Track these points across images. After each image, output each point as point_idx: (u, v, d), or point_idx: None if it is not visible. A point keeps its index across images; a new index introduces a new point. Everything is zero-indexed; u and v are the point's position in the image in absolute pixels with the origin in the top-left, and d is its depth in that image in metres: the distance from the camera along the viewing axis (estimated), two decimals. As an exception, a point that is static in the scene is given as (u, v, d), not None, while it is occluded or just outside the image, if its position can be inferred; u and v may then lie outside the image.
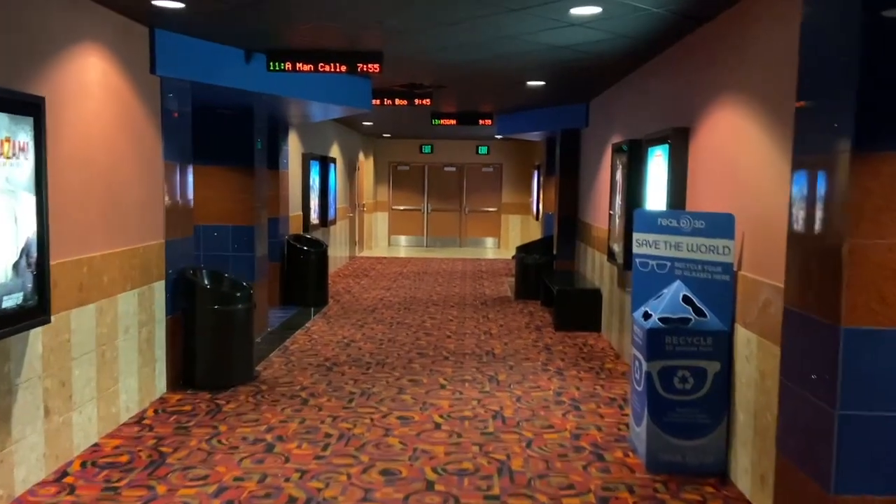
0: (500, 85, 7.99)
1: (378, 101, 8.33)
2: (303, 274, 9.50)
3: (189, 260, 5.88)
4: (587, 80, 7.45)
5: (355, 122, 13.28)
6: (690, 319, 4.12)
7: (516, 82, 7.69)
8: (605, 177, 7.90)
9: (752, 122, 3.94)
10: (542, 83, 7.68)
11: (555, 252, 10.30)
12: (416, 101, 8.37)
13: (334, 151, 13.08)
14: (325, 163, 11.87)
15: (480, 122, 11.04)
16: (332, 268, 12.78)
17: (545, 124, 10.35)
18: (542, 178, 13.77)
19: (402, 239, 18.41)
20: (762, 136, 3.80)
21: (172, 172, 5.56)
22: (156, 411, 5.13)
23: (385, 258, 15.61)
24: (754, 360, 3.79)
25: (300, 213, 10.53)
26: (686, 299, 4.22)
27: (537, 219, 14.98)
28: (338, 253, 13.52)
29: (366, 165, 16.97)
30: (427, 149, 17.96)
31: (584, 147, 9.74)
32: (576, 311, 8.08)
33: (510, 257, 13.53)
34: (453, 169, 18.25)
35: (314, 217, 10.98)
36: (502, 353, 7.00)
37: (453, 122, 11.08)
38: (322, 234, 11.86)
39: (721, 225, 4.11)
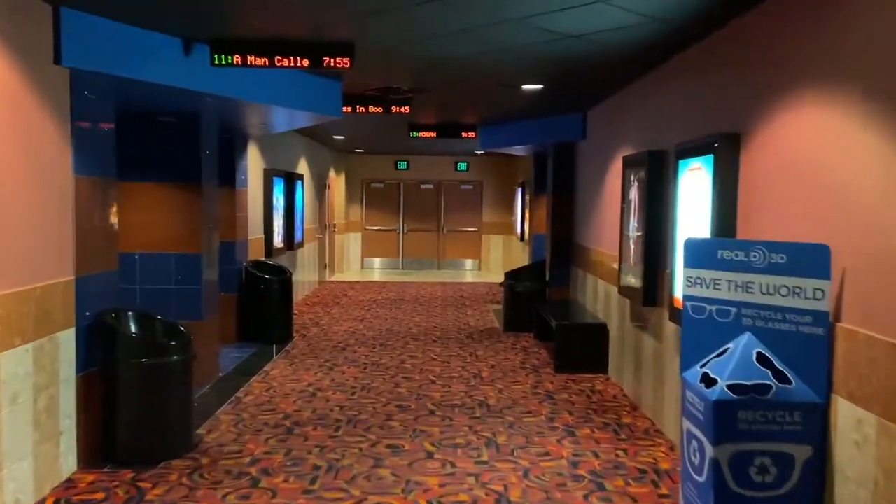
0: (489, 90, 6.96)
1: (349, 109, 7.24)
2: (263, 306, 8.31)
3: (112, 300, 4.70)
4: (592, 82, 6.44)
5: (325, 135, 12.17)
6: (771, 387, 3.06)
7: (509, 86, 6.66)
8: (612, 195, 6.88)
9: (857, 122, 2.92)
10: (538, 87, 6.66)
11: (548, 278, 9.26)
12: (394, 108, 7.29)
13: (302, 167, 11.94)
14: (291, 180, 10.72)
15: (463, 134, 10.01)
16: (300, 295, 11.60)
17: (535, 137, 9.34)
18: (528, 197, 12.76)
19: (377, 261, 17.27)
20: (876, 139, 2.77)
21: (87, 190, 4.39)
22: (57, 502, 3.93)
23: (358, 283, 14.45)
24: (871, 448, 2.73)
25: (262, 235, 9.36)
26: (762, 359, 3.17)
27: (522, 240, 13.96)
28: (306, 278, 12.34)
29: (337, 183, 15.84)
30: (402, 165, 16.90)
31: (580, 162, 8.74)
32: (579, 349, 7.02)
33: (499, 284, 12.47)
34: (430, 186, 17.20)
35: (278, 240, 9.81)
36: (498, 404, 5.88)
37: (433, 134, 10.03)
38: (287, 258, 10.68)
39: (811, 259, 3.07)
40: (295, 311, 10.41)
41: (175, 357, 4.63)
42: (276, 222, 9.77)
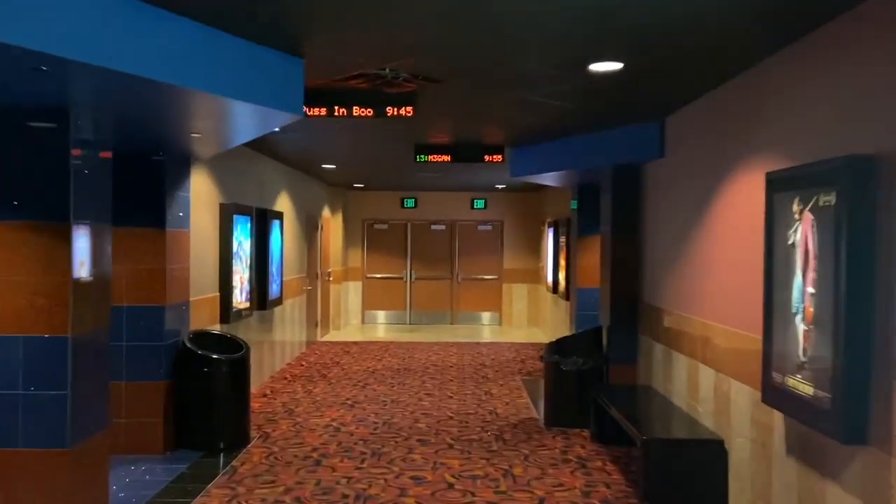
0: (530, 80, 4.56)
1: (323, 111, 4.86)
2: (207, 397, 5.82)
3: None
4: (705, 53, 4.02)
5: (313, 165, 9.82)
6: None
7: (567, 66, 4.25)
8: (731, 235, 4.41)
9: None
10: (615, 67, 4.23)
11: (605, 351, 6.72)
12: (389, 109, 4.91)
13: (282, 204, 9.56)
14: (264, 219, 8.32)
15: (486, 158, 7.61)
16: (279, 365, 9.08)
17: (585, 158, 6.92)
18: (564, 239, 10.29)
19: (380, 315, 14.77)
20: None
21: None
22: None
23: (356, 344, 11.92)
24: None
25: (215, 294, 6.92)
26: None
27: (555, 292, 11.45)
28: (287, 342, 9.84)
29: (332, 224, 13.46)
30: (410, 203, 14.53)
31: (652, 190, 6.29)
32: (681, 477, 4.45)
33: (539, 358, 9.95)
34: (442, 228, 14.79)
35: (240, 298, 7.35)
36: None
37: (446, 158, 7.63)
38: (258, 321, 8.21)
39: None
40: (266, 392, 7.89)
41: None
42: (239, 275, 7.33)
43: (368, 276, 14.75)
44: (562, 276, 10.64)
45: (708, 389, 4.79)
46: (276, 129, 6.36)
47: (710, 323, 4.74)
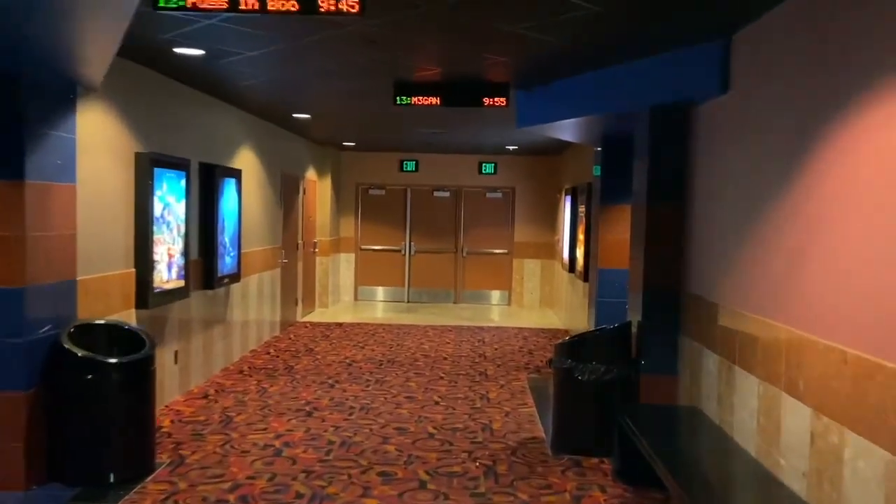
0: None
1: (223, 2, 3.21)
2: (89, 414, 4.27)
3: None
4: None
5: (281, 115, 8.17)
6: None
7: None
8: (858, 210, 2.73)
9: None
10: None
11: (634, 355, 5.07)
12: (323, 3, 3.23)
13: (243, 160, 7.94)
14: (211, 177, 6.72)
15: (486, 101, 5.91)
16: (239, 352, 7.54)
17: (611, 100, 5.21)
18: (585, 209, 8.59)
19: (375, 292, 13.20)
20: None
21: None
22: None
23: (340, 326, 10.37)
24: None
25: (130, 269, 5.35)
26: None
27: (572, 271, 9.78)
28: (252, 321, 8.30)
29: (320, 187, 11.84)
30: (410, 165, 12.85)
31: (706, 142, 4.56)
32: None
33: (545, 363, 8.41)
34: (446, 195, 13.11)
35: (167, 275, 5.78)
36: None
37: (434, 100, 5.95)
38: (202, 302, 6.66)
39: None
40: (209, 392, 6.36)
41: None
42: (166, 246, 5.75)
43: (362, 247, 13.15)
44: (580, 252, 8.96)
45: (799, 435, 3.15)
46: (200, 53, 4.74)
47: (809, 336, 3.07)
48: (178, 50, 4.88)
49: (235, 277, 7.41)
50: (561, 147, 10.83)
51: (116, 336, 4.66)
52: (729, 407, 3.99)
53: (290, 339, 9.18)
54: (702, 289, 4.52)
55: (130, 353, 4.44)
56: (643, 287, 5.00)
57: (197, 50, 4.88)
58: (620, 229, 6.77)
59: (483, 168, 12.78)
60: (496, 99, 5.87)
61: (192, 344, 6.55)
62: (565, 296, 10.78)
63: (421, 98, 5.92)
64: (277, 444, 5.09)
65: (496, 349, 8.86)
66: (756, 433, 3.61)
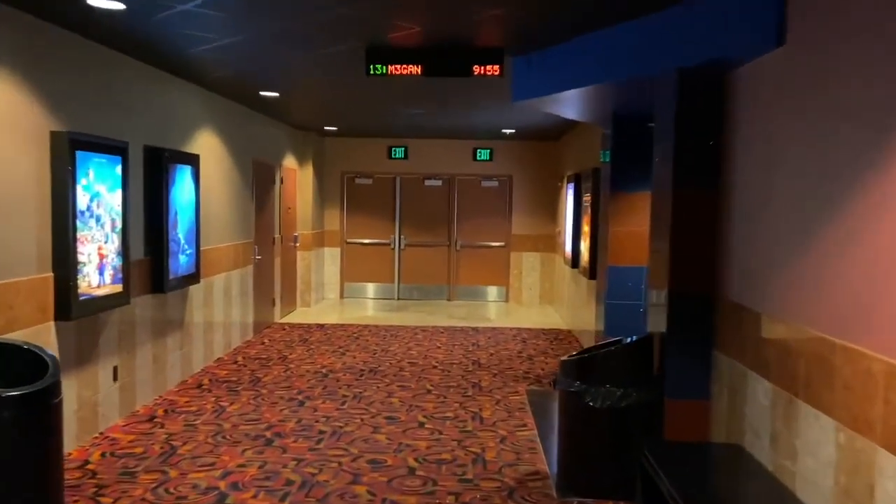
0: None
1: None
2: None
3: None
4: None
5: (249, 94, 7.23)
6: None
7: None
8: None
9: None
10: None
11: (657, 371, 4.15)
12: None
13: (202, 144, 7.00)
14: (158, 163, 5.79)
15: (477, 69, 4.98)
16: (201, 362, 6.57)
17: (627, 62, 4.28)
18: (590, 198, 7.67)
19: (363, 289, 12.28)
20: None
21: None
22: None
23: (323, 327, 9.46)
24: None
25: (48, 273, 4.43)
26: None
27: (574, 266, 8.87)
28: (218, 326, 7.38)
29: (300, 176, 10.91)
30: (398, 152, 11.91)
31: (752, 111, 3.62)
32: None
33: (549, 383, 7.53)
34: (438, 183, 12.18)
35: (98, 279, 4.84)
36: None
37: (414, 68, 5.02)
38: (152, 308, 5.74)
39: None
40: (157, 413, 5.44)
41: None
42: (96, 244, 4.82)
43: (349, 241, 12.22)
44: (584, 246, 8.05)
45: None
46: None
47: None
48: (92, 2, 3.94)
49: (194, 278, 6.49)
50: (562, 130, 9.90)
51: (14, 359, 3.73)
52: (788, 451, 3.09)
53: (263, 344, 8.27)
54: (745, 296, 3.60)
55: (28, 382, 3.52)
56: (669, 291, 4.08)
57: (115, 2, 3.94)
58: (634, 221, 5.86)
59: (478, 154, 11.84)
60: (488, 67, 4.94)
61: (138, 357, 5.64)
62: (568, 293, 9.88)
63: (398, 66, 4.99)
64: (223, 486, 4.19)
65: (492, 354, 7.96)
66: (833, 493, 2.71)
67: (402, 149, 11.84)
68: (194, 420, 5.40)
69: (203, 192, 6.82)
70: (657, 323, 4.25)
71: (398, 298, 12.14)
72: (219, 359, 7.41)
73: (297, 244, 10.66)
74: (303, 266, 10.93)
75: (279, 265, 9.76)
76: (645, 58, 4.16)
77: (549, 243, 11.79)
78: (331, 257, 12.12)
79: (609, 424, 4.09)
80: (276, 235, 9.61)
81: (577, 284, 8.89)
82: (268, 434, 5.11)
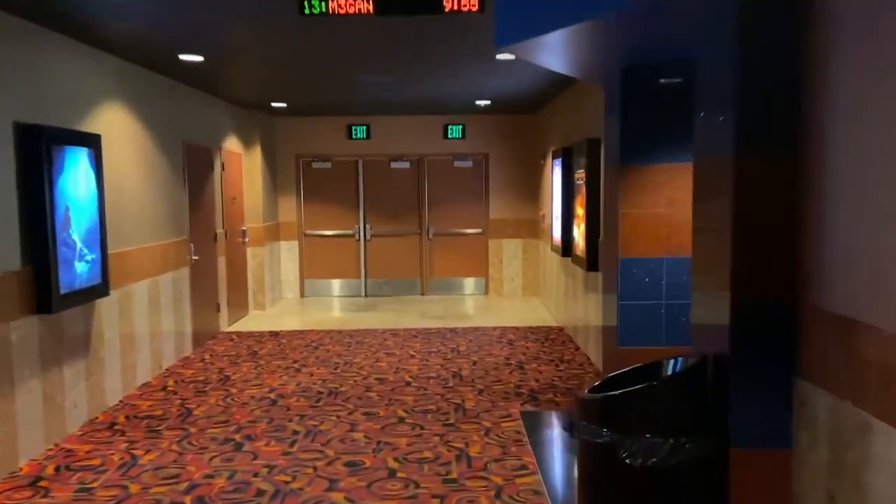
0: None
1: None
2: None
3: None
4: None
5: (163, 59, 5.86)
6: None
7: None
8: None
9: None
10: None
11: (713, 400, 2.95)
12: None
13: (106, 122, 5.63)
14: (36, 146, 4.44)
15: (448, 3, 3.71)
16: (121, 390, 5.19)
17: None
18: (585, 174, 6.46)
19: (327, 285, 10.98)
20: None
21: None
22: None
23: (278, 335, 8.15)
24: None
25: None
26: None
27: (566, 254, 7.67)
28: (141, 344, 6.05)
29: (247, 161, 9.54)
30: (360, 132, 10.58)
31: (863, 44, 2.41)
32: None
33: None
34: (406, 165, 10.89)
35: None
36: None
37: (365, 5, 3.74)
38: (35, 333, 4.39)
39: None
40: (43, 477, 4.11)
41: None
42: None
43: (308, 233, 10.89)
44: (578, 232, 6.86)
45: None
46: None
47: None
48: None
49: (99, 290, 5.16)
50: (543, 100, 8.68)
51: None
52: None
53: (203, 361, 6.95)
54: (855, 305, 2.42)
55: None
56: (732, 296, 2.88)
57: None
58: (652, 200, 4.67)
59: (449, 131, 10.57)
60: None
61: (19, 399, 4.32)
62: (556, 284, 8.70)
63: (342, 3, 3.70)
64: None
65: (475, 363, 6.75)
66: None
67: (364, 127, 10.52)
68: (91, 482, 4.10)
69: (112, 181, 5.48)
70: (712, 340, 3.05)
71: (366, 295, 10.87)
72: (144, 384, 6.09)
73: (247, 239, 9.32)
74: (254, 264, 9.59)
75: (224, 264, 8.43)
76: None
77: (531, 228, 10.59)
78: (288, 252, 10.79)
79: (652, 489, 2.89)
80: (219, 231, 8.27)
81: (571, 275, 7.71)
82: (187, 501, 3.83)
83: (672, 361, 3.18)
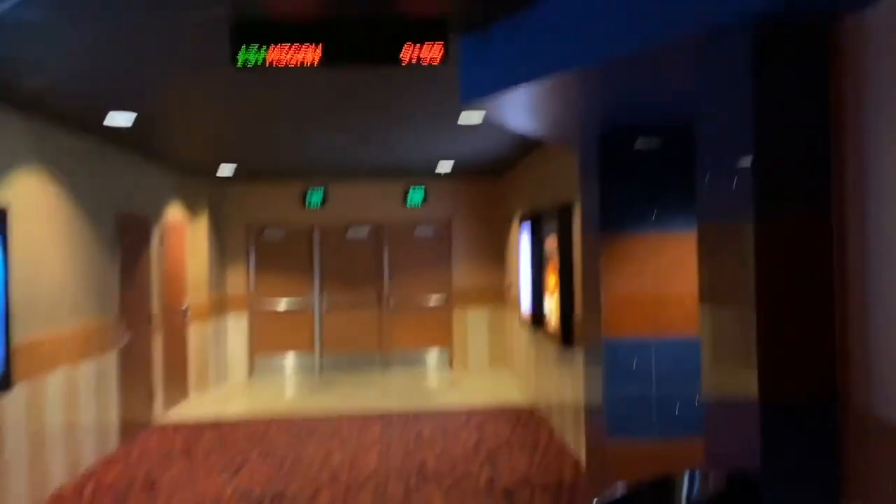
0: None
1: None
2: None
3: None
4: None
5: (93, 118, 5.24)
6: None
7: None
8: None
9: None
10: None
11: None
12: None
13: (17, 192, 4.93)
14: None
15: (407, 54, 3.21)
16: (37, 499, 4.36)
17: (651, 18, 2.59)
18: (557, 242, 5.95)
19: (279, 362, 10.17)
20: None
21: None
22: None
23: (216, 427, 7.31)
24: None
25: None
26: None
27: (536, 325, 7.09)
28: (57, 440, 5.19)
29: (192, 231, 8.85)
30: (315, 198, 10.00)
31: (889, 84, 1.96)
32: None
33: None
34: (364, 234, 10.31)
35: None
36: None
37: (311, 55, 3.20)
38: None
39: None
40: None
41: None
42: None
43: (258, 306, 10.14)
44: (551, 305, 6.31)
45: None
46: None
47: None
48: None
49: (0, 383, 4.37)
50: (509, 163, 8.28)
51: None
52: None
53: (128, 460, 6.08)
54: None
55: None
56: (761, 397, 2.32)
57: None
58: (637, 272, 4.15)
59: (409, 196, 10.07)
60: (425, 48, 3.18)
61: None
62: (526, 358, 8.10)
63: (284, 49, 3.17)
64: None
65: (441, 453, 6.03)
66: None
67: (319, 193, 9.95)
68: None
69: (23, 258, 4.77)
70: (734, 454, 2.47)
71: (320, 372, 10.09)
72: (56, 492, 5.21)
73: (188, 315, 8.53)
74: (197, 341, 8.79)
75: (161, 345, 7.62)
76: (678, 8, 2.48)
77: (498, 295, 10.03)
78: (235, 327, 9.99)
79: None
80: (155, 308, 7.50)
81: (541, 351, 7.12)
82: None
83: (688, 478, 2.58)
